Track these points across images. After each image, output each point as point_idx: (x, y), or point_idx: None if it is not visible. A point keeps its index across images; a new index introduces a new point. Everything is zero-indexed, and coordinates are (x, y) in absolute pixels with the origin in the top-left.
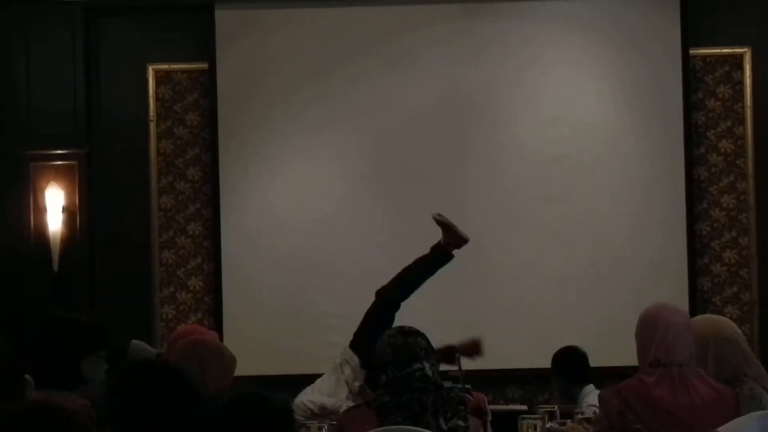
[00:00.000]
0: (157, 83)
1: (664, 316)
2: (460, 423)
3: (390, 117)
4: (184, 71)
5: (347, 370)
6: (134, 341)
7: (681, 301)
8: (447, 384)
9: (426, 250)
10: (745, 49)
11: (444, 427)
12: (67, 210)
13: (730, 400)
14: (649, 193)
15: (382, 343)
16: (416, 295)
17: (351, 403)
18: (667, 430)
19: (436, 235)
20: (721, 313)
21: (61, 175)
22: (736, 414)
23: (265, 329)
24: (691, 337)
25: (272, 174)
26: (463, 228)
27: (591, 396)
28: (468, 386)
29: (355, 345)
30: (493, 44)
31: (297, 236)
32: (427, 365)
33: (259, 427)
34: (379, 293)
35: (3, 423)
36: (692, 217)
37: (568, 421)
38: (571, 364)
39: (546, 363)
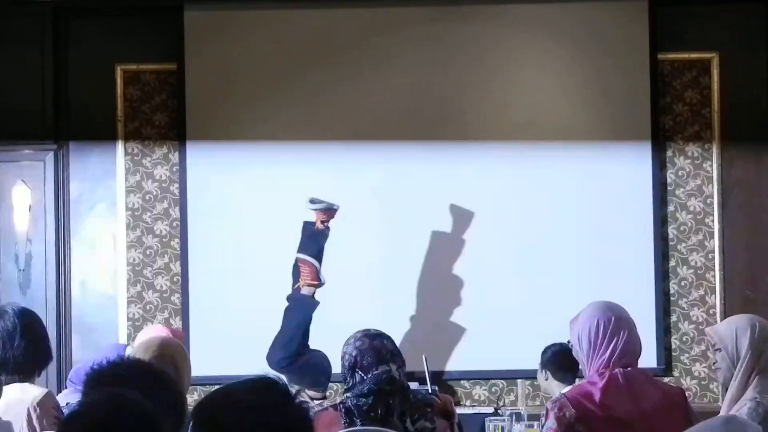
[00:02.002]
0: (125, 83)
1: (607, 317)
2: (427, 424)
3: (360, 120)
4: (152, 72)
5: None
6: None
7: (648, 303)
8: (413, 386)
9: (394, 252)
10: (712, 54)
11: (411, 428)
12: (34, 209)
13: (678, 400)
14: (617, 197)
15: (348, 346)
16: (385, 297)
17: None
18: None
19: (406, 238)
20: (687, 316)
21: (29, 173)
22: (687, 413)
23: (233, 329)
24: (637, 336)
25: (240, 175)
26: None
27: None
28: (435, 387)
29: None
30: (464, 48)
31: (265, 236)
32: (393, 367)
33: (281, 413)
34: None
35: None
36: (659, 221)
37: (535, 423)
38: (559, 361)
39: (512, 365)
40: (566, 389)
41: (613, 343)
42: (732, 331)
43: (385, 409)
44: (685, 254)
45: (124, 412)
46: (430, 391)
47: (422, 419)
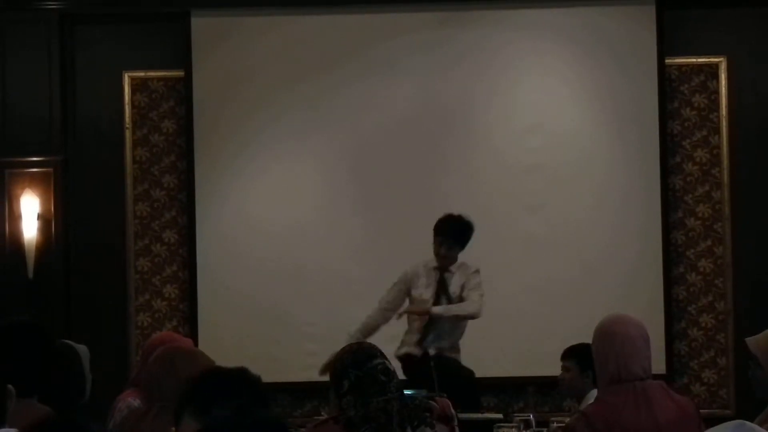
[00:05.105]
0: (133, 91)
1: (619, 329)
2: (427, 430)
3: (367, 125)
4: (160, 79)
5: (422, 282)
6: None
7: (656, 309)
8: (421, 393)
9: (401, 258)
10: (720, 59)
11: None
12: (43, 217)
13: (692, 412)
14: (625, 202)
15: (338, 354)
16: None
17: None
18: None
19: (412, 243)
20: (696, 322)
21: (37, 182)
22: (700, 425)
23: (241, 337)
24: (648, 348)
25: (248, 182)
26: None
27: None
28: (443, 394)
29: None
30: (471, 53)
31: (273, 244)
32: (386, 361)
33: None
34: None
35: None
36: (668, 226)
37: (544, 430)
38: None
39: (521, 371)
40: (593, 391)
41: (625, 354)
42: None
43: (384, 418)
44: (693, 260)
45: None
46: (434, 397)
47: (422, 425)
